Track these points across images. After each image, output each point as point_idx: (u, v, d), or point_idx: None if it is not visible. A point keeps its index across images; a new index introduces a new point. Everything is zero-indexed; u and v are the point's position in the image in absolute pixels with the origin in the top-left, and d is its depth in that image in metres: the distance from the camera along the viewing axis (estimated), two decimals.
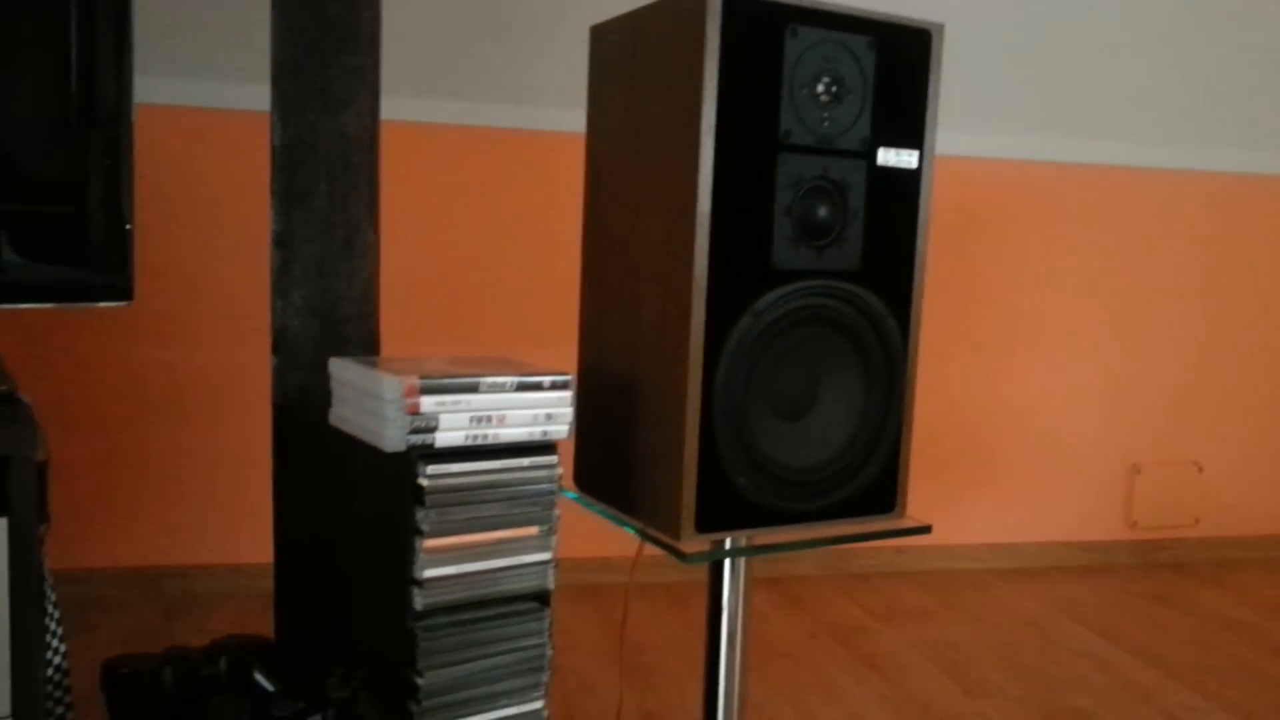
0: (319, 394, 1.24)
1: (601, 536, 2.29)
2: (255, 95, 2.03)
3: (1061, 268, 2.52)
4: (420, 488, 1.04)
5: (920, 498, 2.49)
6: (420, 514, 1.04)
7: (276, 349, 1.26)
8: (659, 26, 1.12)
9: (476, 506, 1.08)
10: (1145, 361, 2.61)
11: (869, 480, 1.22)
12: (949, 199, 2.40)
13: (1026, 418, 2.54)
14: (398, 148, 2.14)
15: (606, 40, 1.25)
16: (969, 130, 2.40)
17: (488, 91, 2.15)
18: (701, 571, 2.35)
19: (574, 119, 2.19)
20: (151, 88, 2.00)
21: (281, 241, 1.24)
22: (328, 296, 1.26)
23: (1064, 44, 2.41)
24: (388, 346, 2.10)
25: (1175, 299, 2.61)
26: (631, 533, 1.24)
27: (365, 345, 1.30)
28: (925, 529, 1.28)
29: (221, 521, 2.13)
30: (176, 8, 1.99)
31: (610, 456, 1.27)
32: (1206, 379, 2.65)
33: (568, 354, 2.22)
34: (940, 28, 1.15)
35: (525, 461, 1.11)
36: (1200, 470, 2.66)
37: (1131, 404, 2.61)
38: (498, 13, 2.13)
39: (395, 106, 2.11)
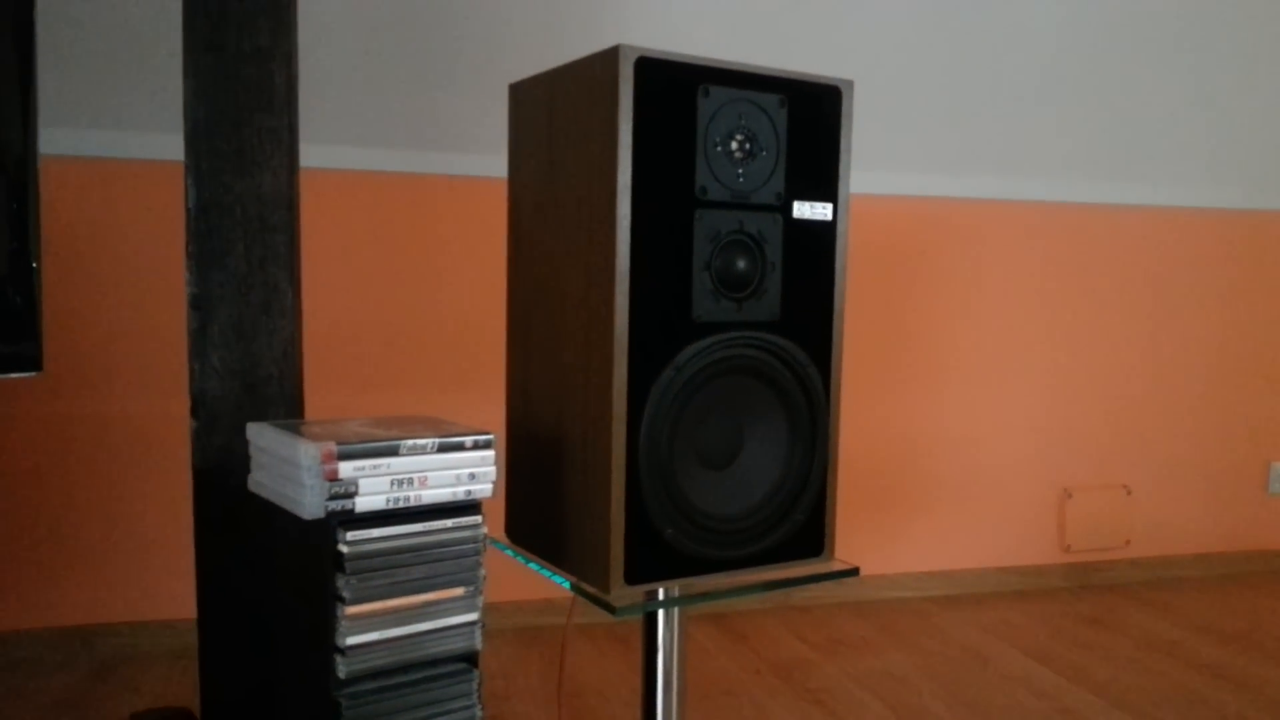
0: (240, 456, 1.22)
1: (542, 577, 2.28)
2: (170, 145, 2.00)
3: (990, 300, 2.57)
4: (340, 554, 1.03)
5: (858, 528, 2.51)
6: (341, 580, 1.03)
7: (195, 412, 1.24)
8: (575, 87, 1.13)
9: (399, 570, 1.07)
10: (1073, 389, 2.67)
11: (796, 525, 1.22)
12: (876, 236, 2.44)
13: (960, 448, 2.58)
14: (319, 196, 2.13)
15: (525, 98, 1.26)
16: (894, 169, 2.45)
17: (409, 137, 2.14)
18: None
19: (500, 164, 2.19)
20: (57, 139, 1.96)
21: (198, 304, 1.22)
22: (247, 358, 1.24)
23: (982, 86, 2.47)
24: (313, 402, 2.07)
25: (1100, 328, 2.68)
26: (563, 585, 1.23)
27: (287, 406, 1.28)
28: (853, 572, 1.29)
29: (152, 577, 2.08)
30: (83, 54, 1.96)
31: (540, 508, 1.26)
32: (1132, 404, 2.72)
33: (497, 401, 2.21)
34: (850, 84, 1.18)
35: (449, 523, 1.10)
36: (1129, 493, 2.72)
37: (1061, 431, 2.66)
38: (417, 58, 2.13)
39: (316, 154, 2.09)
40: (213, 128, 1.21)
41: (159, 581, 2.08)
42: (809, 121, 1.16)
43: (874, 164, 2.43)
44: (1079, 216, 2.63)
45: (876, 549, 2.54)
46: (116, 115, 1.98)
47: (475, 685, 1.12)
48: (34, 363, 1.04)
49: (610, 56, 1.05)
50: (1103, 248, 2.66)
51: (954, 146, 2.48)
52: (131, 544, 2.06)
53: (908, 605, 2.51)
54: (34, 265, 1.05)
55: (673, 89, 1.07)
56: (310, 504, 1.03)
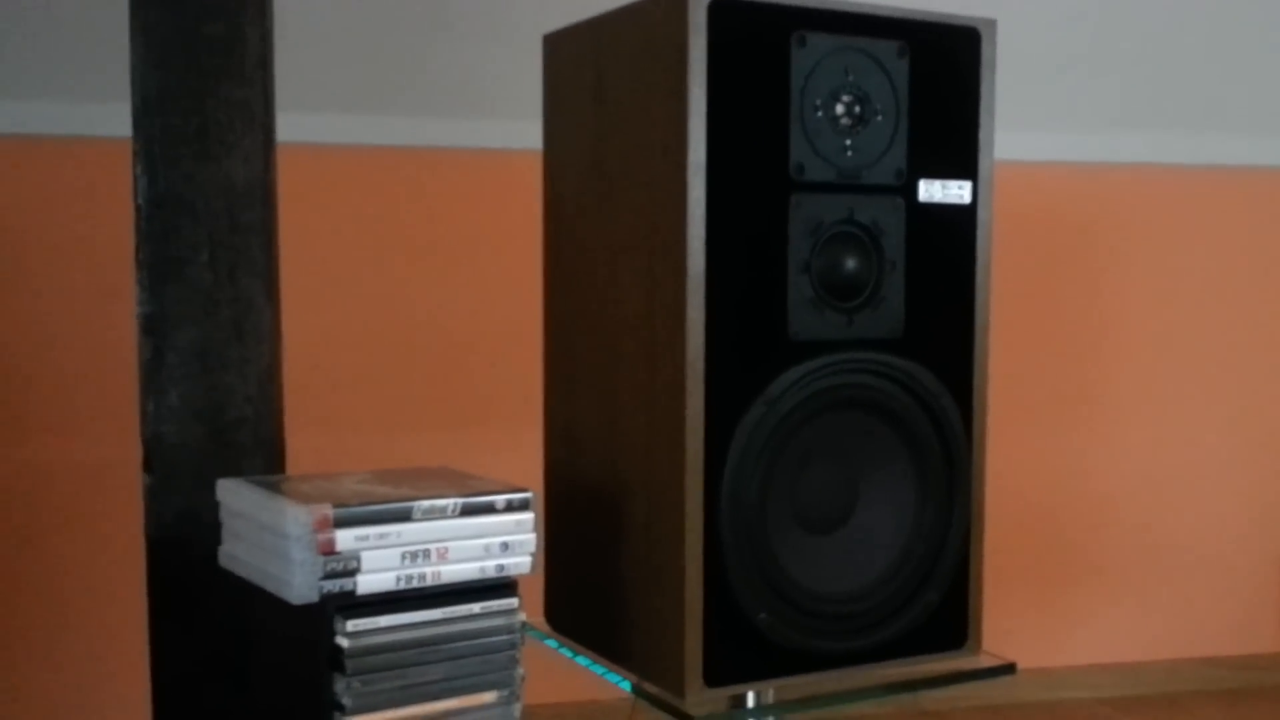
0: (206, 521, 1.25)
1: (592, 675, 2.29)
2: (125, 118, 2.05)
3: (1187, 302, 2.54)
4: (338, 649, 1.05)
5: (1012, 609, 2.48)
6: (340, 683, 1.05)
7: (149, 464, 1.28)
8: (631, 38, 1.15)
9: (414, 670, 1.09)
10: None
11: (930, 607, 1.23)
12: (1028, 219, 2.43)
13: (1147, 500, 2.54)
14: (297, 180, 2.16)
15: (565, 52, 1.28)
16: (1043, 128, 2.43)
17: (412, 101, 2.17)
18: None
19: (532, 133, 2.21)
20: None
21: (151, 326, 1.26)
22: (214, 395, 1.28)
23: (1177, 15, 2.45)
24: (296, 452, 2.09)
25: None
26: (622, 687, 1.25)
27: (265, 456, 1.31)
28: (1008, 669, 1.29)
29: (90, 676, 2.12)
30: (9, 9, 2.02)
31: (590, 586, 1.28)
32: None
33: (533, 444, 2.23)
34: (991, 25, 1.19)
35: (476, 607, 1.11)
36: None
37: None
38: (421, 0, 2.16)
39: (291, 125, 2.12)
40: (167, 101, 1.24)
41: (99, 682, 2.12)
42: (938, 75, 1.17)
43: (1022, 121, 2.42)
44: None
45: (1037, 637, 2.51)
46: (56, 82, 2.03)
47: None
48: None
49: None
50: None
51: (1136, 93, 2.46)
52: (62, 633, 2.11)
53: (1079, 709, 2.48)
54: None
55: (758, 38, 1.09)
56: (299, 584, 1.05)
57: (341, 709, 1.06)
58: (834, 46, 1.11)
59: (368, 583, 1.08)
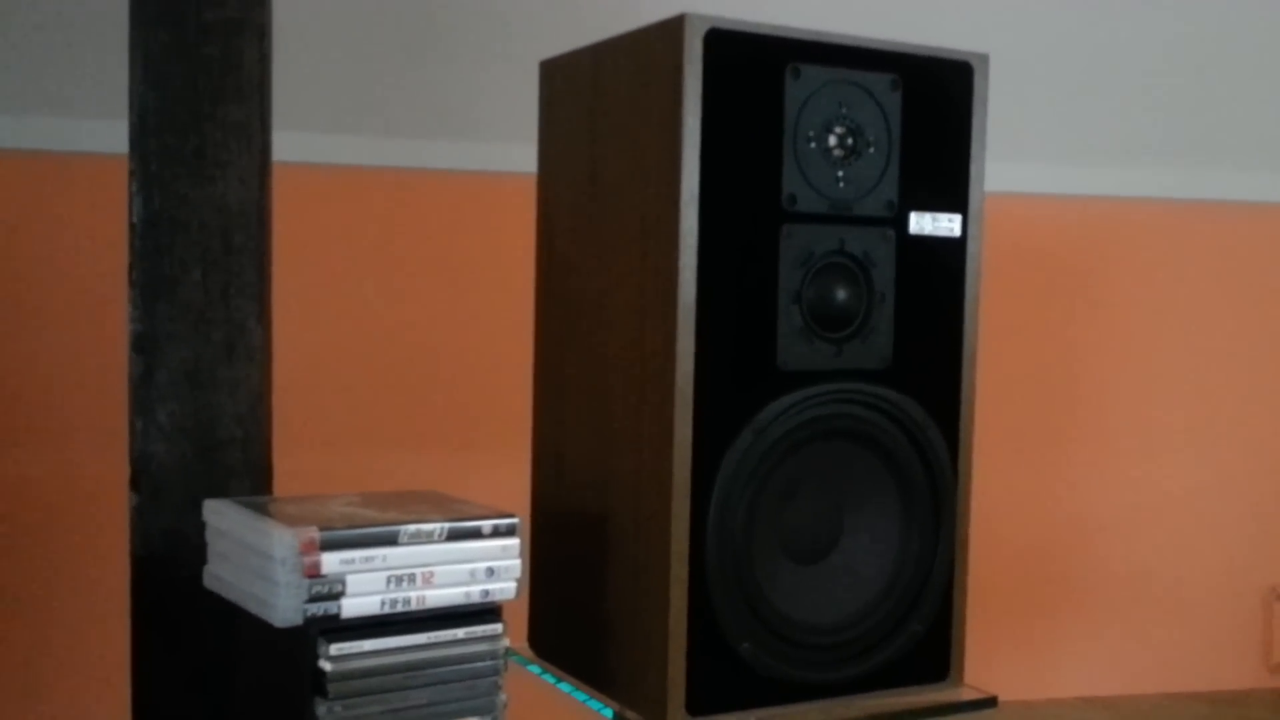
0: (192, 541, 1.25)
1: (575, 702, 2.28)
2: (117, 134, 2.05)
3: (1172, 337, 2.55)
4: (321, 672, 1.05)
5: (996, 641, 2.48)
6: (322, 707, 1.05)
7: (136, 483, 1.27)
8: (627, 66, 1.16)
9: (397, 694, 1.08)
10: None
11: (914, 638, 1.23)
12: (1015, 251, 2.44)
13: (1132, 533, 2.54)
14: (291, 199, 2.16)
15: (561, 79, 1.29)
16: (1033, 160, 2.44)
17: (407, 123, 2.17)
18: None
19: (526, 156, 2.22)
20: None
21: (143, 345, 1.26)
22: (203, 414, 1.28)
23: (1161, 47, 2.47)
24: (284, 473, 2.09)
25: None
26: (604, 714, 1.24)
27: (254, 476, 1.31)
28: (989, 702, 1.29)
29: (68, 695, 2.11)
30: (12, 20, 2.02)
31: (575, 613, 1.28)
32: None
33: (521, 468, 2.22)
34: (984, 59, 1.19)
35: (460, 632, 1.11)
36: None
37: (1267, 510, 2.62)
38: (417, 21, 2.17)
39: (284, 145, 2.12)
40: (165, 122, 1.25)
41: (80, 700, 2.11)
42: (930, 108, 1.18)
43: (1013, 153, 2.43)
44: None
45: (1020, 669, 2.51)
46: (55, 98, 2.03)
47: None
48: None
49: (673, 28, 1.08)
50: None
51: (1127, 127, 2.48)
52: (44, 649, 2.10)
53: None
54: None
55: (753, 69, 1.10)
56: (284, 607, 1.04)
57: None
58: (828, 78, 1.12)
59: (352, 606, 1.07)
